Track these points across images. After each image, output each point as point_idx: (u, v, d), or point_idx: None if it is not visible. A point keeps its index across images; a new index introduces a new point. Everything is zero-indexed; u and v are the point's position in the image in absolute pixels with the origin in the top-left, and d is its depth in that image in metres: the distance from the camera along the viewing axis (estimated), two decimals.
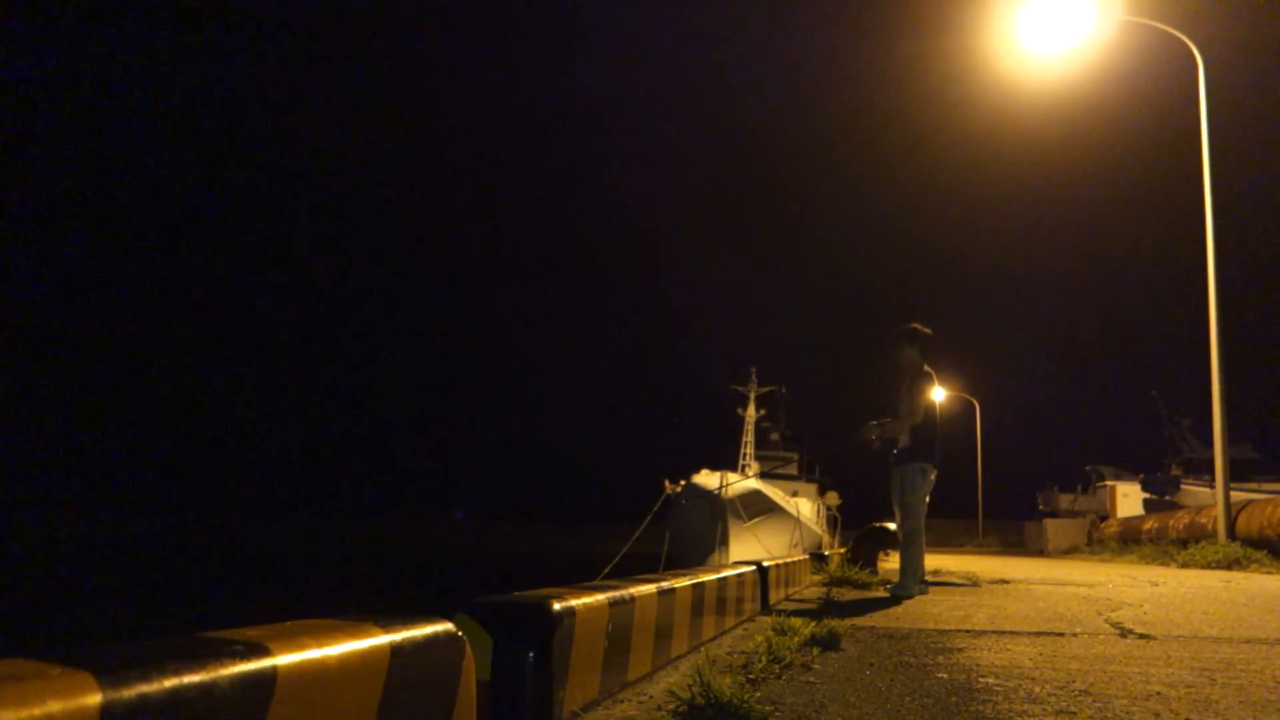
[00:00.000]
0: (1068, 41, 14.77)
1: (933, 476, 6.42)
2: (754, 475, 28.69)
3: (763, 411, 35.77)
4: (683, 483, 23.54)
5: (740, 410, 34.82)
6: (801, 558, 8.04)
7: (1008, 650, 3.35)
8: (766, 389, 35.87)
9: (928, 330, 6.66)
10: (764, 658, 2.85)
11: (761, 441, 35.84)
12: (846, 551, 9.59)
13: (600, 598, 2.23)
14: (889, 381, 6.72)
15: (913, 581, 6.22)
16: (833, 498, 36.01)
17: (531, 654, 1.85)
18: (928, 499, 6.44)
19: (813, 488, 35.79)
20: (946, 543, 38.14)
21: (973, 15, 16.67)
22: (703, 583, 3.38)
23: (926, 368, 6.54)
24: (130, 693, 0.86)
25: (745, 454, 33.88)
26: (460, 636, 1.50)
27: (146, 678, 0.88)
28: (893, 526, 8.64)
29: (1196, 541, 14.76)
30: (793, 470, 36.91)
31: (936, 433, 6.51)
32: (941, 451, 6.58)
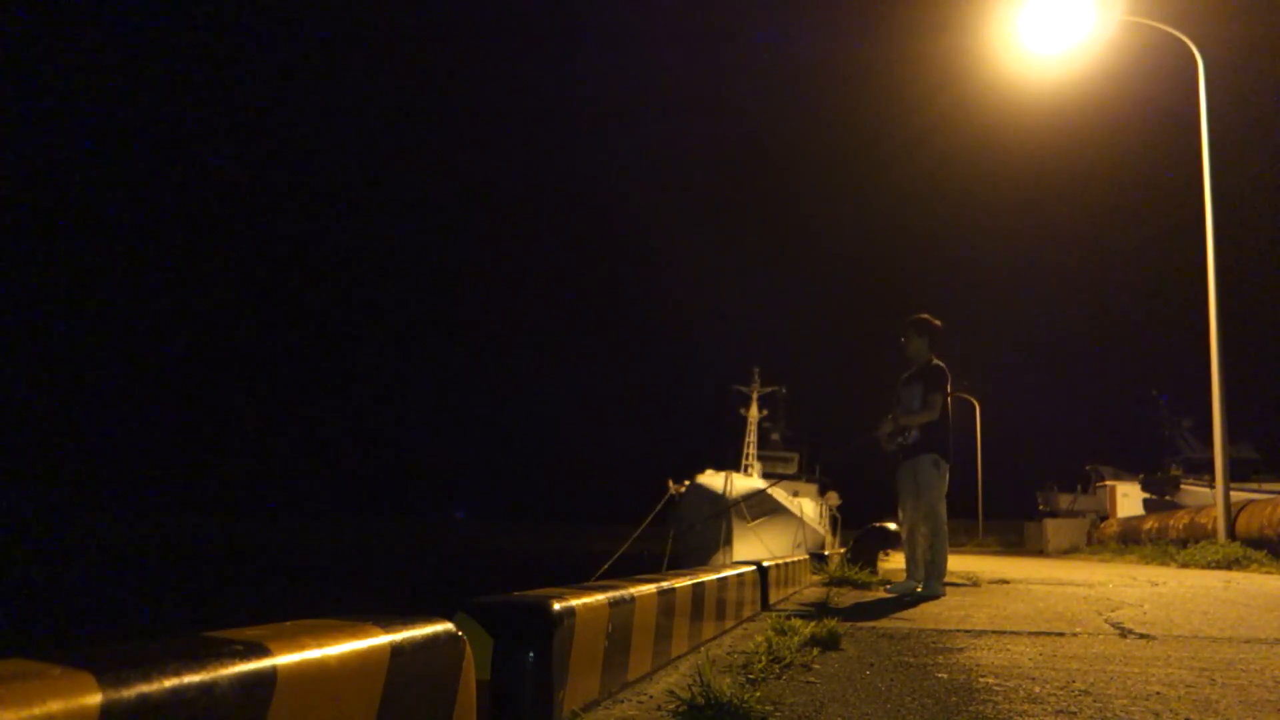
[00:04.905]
0: (1068, 41, 14.77)
1: (946, 471, 6.22)
2: (758, 477, 28.72)
3: (764, 412, 35.82)
4: (686, 483, 23.56)
5: (743, 410, 34.84)
6: (802, 558, 8.04)
7: (1008, 650, 3.35)
8: (769, 389, 35.92)
9: (938, 322, 6.50)
10: (764, 658, 2.85)
11: (762, 441, 35.87)
12: (847, 551, 9.58)
13: (600, 598, 2.24)
14: (897, 371, 6.59)
15: (938, 582, 6.12)
16: (833, 498, 36.01)
17: (531, 654, 1.85)
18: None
19: (813, 487, 35.78)
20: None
21: (973, 15, 16.68)
22: (703, 582, 3.38)
23: (937, 361, 6.37)
24: (130, 693, 0.86)
25: (748, 454, 33.91)
26: (460, 636, 1.51)
27: (147, 678, 0.88)
28: (893, 526, 8.61)
29: (1196, 541, 14.75)
30: (793, 470, 36.94)
31: (949, 427, 6.32)
32: (954, 448, 6.40)
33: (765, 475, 32.42)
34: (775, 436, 39.12)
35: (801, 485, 34.42)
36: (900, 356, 6.57)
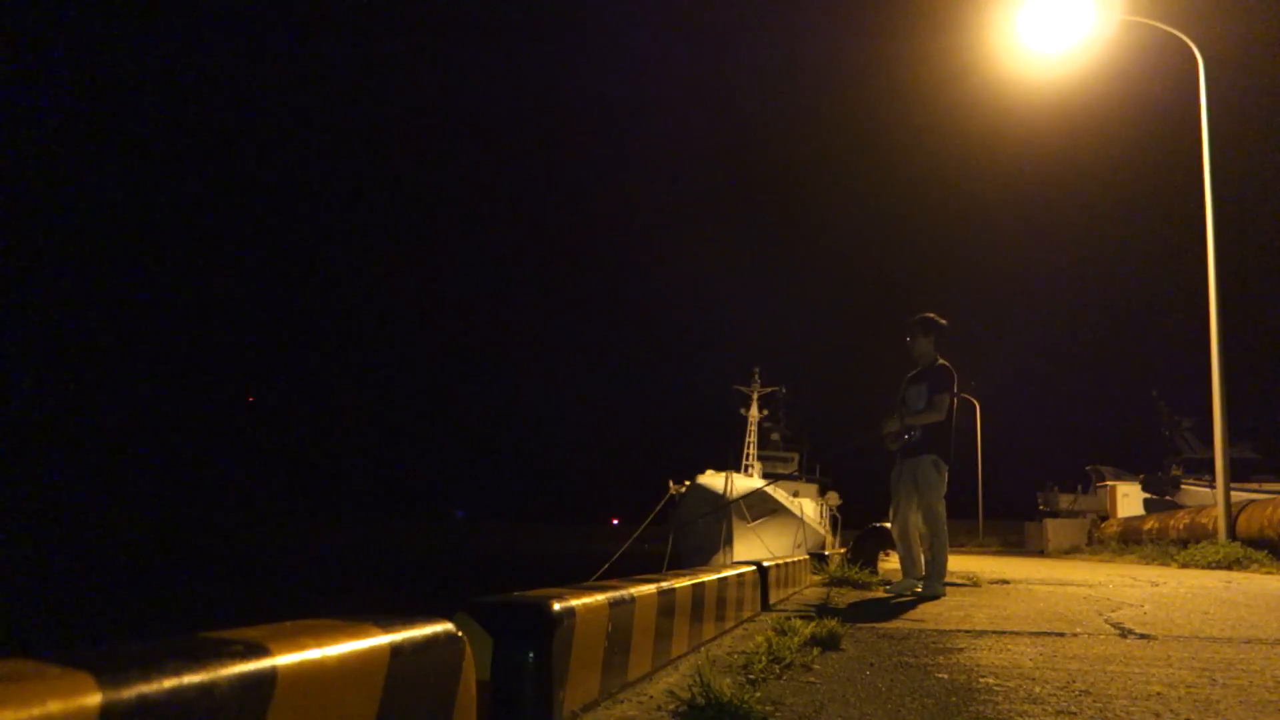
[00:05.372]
0: (1068, 41, 14.79)
1: (945, 473, 6.15)
2: (758, 477, 28.77)
3: (764, 412, 35.88)
4: (686, 483, 23.61)
5: (743, 410, 34.90)
6: (802, 558, 8.04)
7: (1008, 650, 3.35)
8: (769, 389, 35.99)
9: (944, 321, 6.45)
10: (764, 658, 2.85)
11: (762, 441, 35.96)
12: (847, 551, 9.59)
13: (600, 598, 2.23)
14: (898, 371, 6.53)
15: (938, 582, 6.09)
16: (833, 498, 36.06)
17: (531, 654, 1.85)
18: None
19: (813, 488, 35.83)
20: None
21: (973, 15, 16.69)
22: (703, 583, 3.38)
23: (943, 361, 6.31)
24: (130, 693, 0.85)
25: (748, 454, 33.96)
26: (460, 636, 1.50)
27: (146, 678, 0.88)
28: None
29: (1197, 541, 14.76)
30: (793, 469, 37.01)
31: (952, 429, 6.25)
32: (955, 450, 6.29)
33: (765, 475, 32.46)
34: (775, 436, 39.20)
35: (801, 485, 34.46)
36: (904, 356, 6.54)
